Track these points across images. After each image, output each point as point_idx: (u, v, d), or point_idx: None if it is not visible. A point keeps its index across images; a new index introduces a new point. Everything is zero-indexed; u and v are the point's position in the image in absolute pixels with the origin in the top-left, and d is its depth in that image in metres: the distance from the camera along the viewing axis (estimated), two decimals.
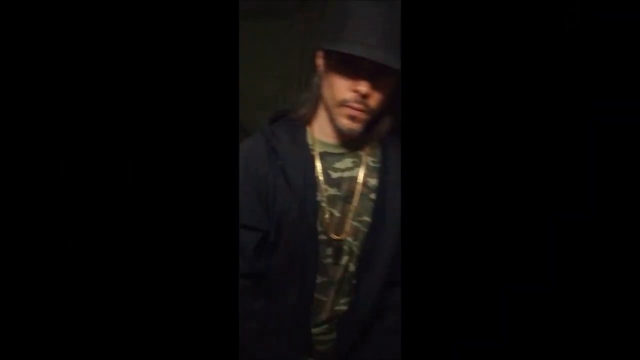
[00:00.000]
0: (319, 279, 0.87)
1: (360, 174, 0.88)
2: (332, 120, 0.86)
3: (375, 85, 0.80)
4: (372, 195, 0.88)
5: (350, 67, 0.80)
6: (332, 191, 0.87)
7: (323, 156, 0.88)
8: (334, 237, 0.86)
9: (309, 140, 0.89)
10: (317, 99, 0.88)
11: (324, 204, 0.86)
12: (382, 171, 0.89)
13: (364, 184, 0.88)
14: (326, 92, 0.84)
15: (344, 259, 0.88)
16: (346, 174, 0.88)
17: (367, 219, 0.88)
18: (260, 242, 0.86)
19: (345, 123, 0.83)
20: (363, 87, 0.79)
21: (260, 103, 1.19)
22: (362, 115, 0.82)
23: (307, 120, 0.90)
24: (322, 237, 0.87)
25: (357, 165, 0.89)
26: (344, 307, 0.89)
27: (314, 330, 0.90)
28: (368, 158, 0.90)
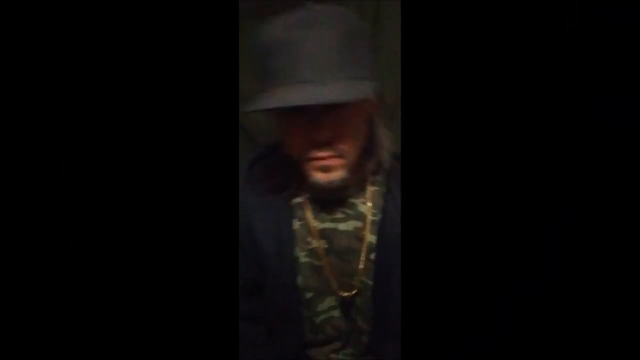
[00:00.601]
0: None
1: (351, 227, 0.75)
2: (306, 179, 0.70)
3: (338, 124, 0.65)
4: (372, 256, 0.75)
5: (293, 117, 0.65)
6: (320, 244, 0.75)
7: (306, 205, 0.76)
8: (342, 294, 0.74)
9: (295, 186, 0.75)
10: (287, 163, 0.72)
11: (305, 259, 0.75)
12: (380, 226, 0.74)
13: (359, 238, 0.74)
14: (292, 154, 0.70)
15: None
16: (338, 226, 0.75)
17: (367, 281, 0.75)
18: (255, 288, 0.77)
19: (320, 177, 0.68)
20: (321, 135, 0.64)
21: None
22: (337, 162, 0.67)
23: (290, 184, 0.76)
24: (309, 294, 0.75)
25: (350, 217, 0.75)
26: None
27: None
28: (364, 206, 0.75)
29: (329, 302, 0.77)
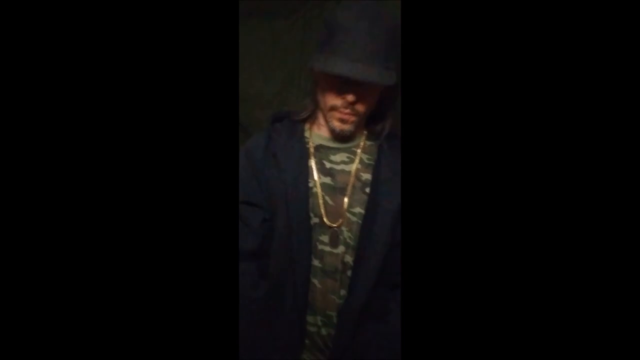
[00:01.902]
0: (315, 262, 0.92)
1: (354, 168, 0.95)
2: (326, 121, 0.95)
3: (362, 93, 0.89)
4: (367, 189, 0.94)
5: (337, 79, 0.87)
6: (326, 180, 0.94)
7: (318, 149, 0.96)
8: (329, 223, 0.92)
9: (307, 135, 0.98)
10: (314, 103, 0.96)
11: (316, 190, 0.93)
12: (376, 168, 0.96)
13: (357, 177, 0.94)
14: (320, 98, 0.94)
15: (340, 247, 0.91)
16: (340, 167, 0.95)
17: (360, 210, 0.93)
18: (265, 219, 0.93)
19: (336, 125, 0.92)
20: (350, 97, 0.88)
21: (260, 103, 1.20)
22: (351, 118, 0.91)
23: (306, 120, 0.99)
24: (316, 220, 0.92)
25: (351, 160, 0.96)
26: (339, 301, 0.91)
27: (308, 319, 0.92)
28: (363, 155, 0.97)
29: (323, 233, 0.94)
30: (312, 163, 0.94)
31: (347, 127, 0.92)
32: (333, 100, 0.90)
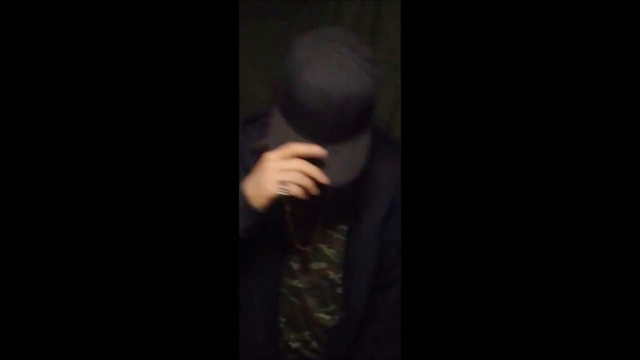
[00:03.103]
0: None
1: (317, 267, 0.87)
2: None
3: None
4: (338, 290, 0.87)
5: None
6: (294, 283, 0.87)
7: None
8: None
9: None
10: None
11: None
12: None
13: (324, 277, 0.87)
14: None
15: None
16: (308, 265, 0.87)
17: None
18: None
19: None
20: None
21: (260, 103, 1.20)
22: None
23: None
24: (282, 320, 0.88)
25: (315, 258, 0.88)
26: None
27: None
28: (329, 251, 0.88)
29: (302, 336, 0.90)
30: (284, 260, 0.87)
31: None
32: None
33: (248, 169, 0.76)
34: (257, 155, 0.77)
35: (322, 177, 0.70)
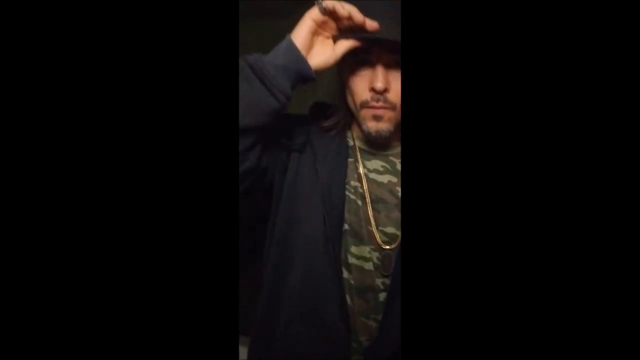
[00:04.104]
0: (345, 275, 0.82)
1: (387, 180, 0.84)
2: (360, 127, 0.84)
3: (392, 79, 0.79)
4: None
5: (364, 65, 0.79)
6: (358, 186, 0.84)
7: (356, 150, 0.86)
8: (384, 246, 0.81)
9: (347, 137, 0.88)
10: (343, 108, 0.86)
11: (347, 193, 0.83)
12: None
13: (392, 191, 0.84)
14: (349, 100, 0.84)
15: (368, 264, 0.83)
16: (372, 175, 0.85)
17: (394, 231, 0.83)
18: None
19: (371, 125, 0.81)
20: (379, 82, 0.78)
21: None
22: (386, 113, 0.80)
23: (344, 126, 0.88)
24: (346, 226, 0.82)
25: (386, 170, 0.86)
26: (374, 325, 0.82)
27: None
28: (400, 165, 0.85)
29: (363, 251, 0.83)
30: (349, 162, 0.84)
31: (383, 127, 0.81)
32: (362, 94, 0.80)
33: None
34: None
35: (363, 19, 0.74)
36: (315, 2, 0.75)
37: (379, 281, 0.82)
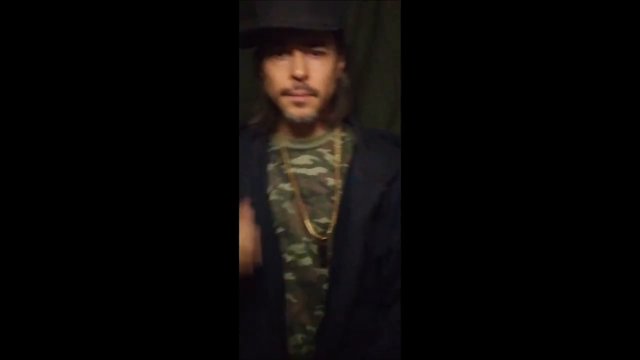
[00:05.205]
0: (287, 275, 0.85)
1: (316, 172, 0.87)
2: (283, 115, 0.85)
3: (312, 67, 0.81)
4: (333, 197, 0.86)
5: (281, 53, 0.81)
6: (286, 187, 0.86)
7: (280, 152, 0.88)
8: (317, 235, 0.84)
9: (272, 141, 0.90)
10: (268, 103, 0.87)
11: (274, 197, 0.86)
12: (349, 171, 0.87)
13: (322, 183, 0.87)
14: (269, 89, 0.85)
15: (307, 259, 0.85)
16: (302, 171, 0.87)
17: (326, 220, 0.85)
18: None
19: (293, 111, 0.83)
20: (298, 69, 0.80)
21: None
22: (307, 100, 0.82)
23: (270, 126, 0.90)
24: (280, 230, 0.85)
25: (315, 163, 0.88)
26: (318, 313, 0.85)
27: (291, 339, 0.86)
28: (331, 156, 0.88)
29: (299, 248, 0.86)
30: (271, 168, 0.87)
31: (306, 112, 0.82)
32: (281, 82, 0.82)
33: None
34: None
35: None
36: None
37: (319, 272, 0.85)
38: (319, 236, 0.85)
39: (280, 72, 0.82)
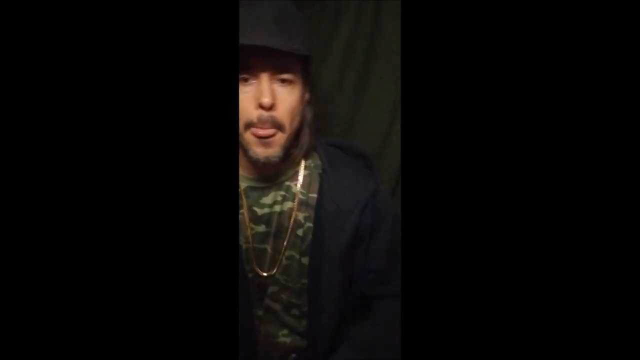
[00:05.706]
0: (259, 312, 0.86)
1: (287, 207, 0.84)
2: (246, 153, 0.78)
3: (278, 94, 0.75)
4: (299, 232, 0.84)
5: (247, 81, 0.75)
6: (260, 229, 0.84)
7: (247, 192, 0.83)
8: (260, 273, 0.84)
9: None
10: None
11: (247, 245, 0.83)
12: (318, 202, 0.83)
13: (293, 218, 0.83)
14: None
15: (273, 288, 0.85)
16: (274, 209, 0.84)
17: (293, 254, 0.84)
18: None
19: (259, 151, 0.77)
20: (265, 97, 0.73)
21: None
22: (273, 135, 0.76)
23: None
24: (250, 275, 0.84)
25: (285, 198, 0.85)
26: (287, 339, 0.87)
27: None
28: (298, 189, 0.84)
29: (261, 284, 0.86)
30: (244, 212, 0.82)
31: (271, 152, 0.76)
32: (246, 114, 0.75)
33: None
34: None
35: None
36: None
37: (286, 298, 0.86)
38: (264, 274, 0.84)
39: (245, 101, 0.75)
